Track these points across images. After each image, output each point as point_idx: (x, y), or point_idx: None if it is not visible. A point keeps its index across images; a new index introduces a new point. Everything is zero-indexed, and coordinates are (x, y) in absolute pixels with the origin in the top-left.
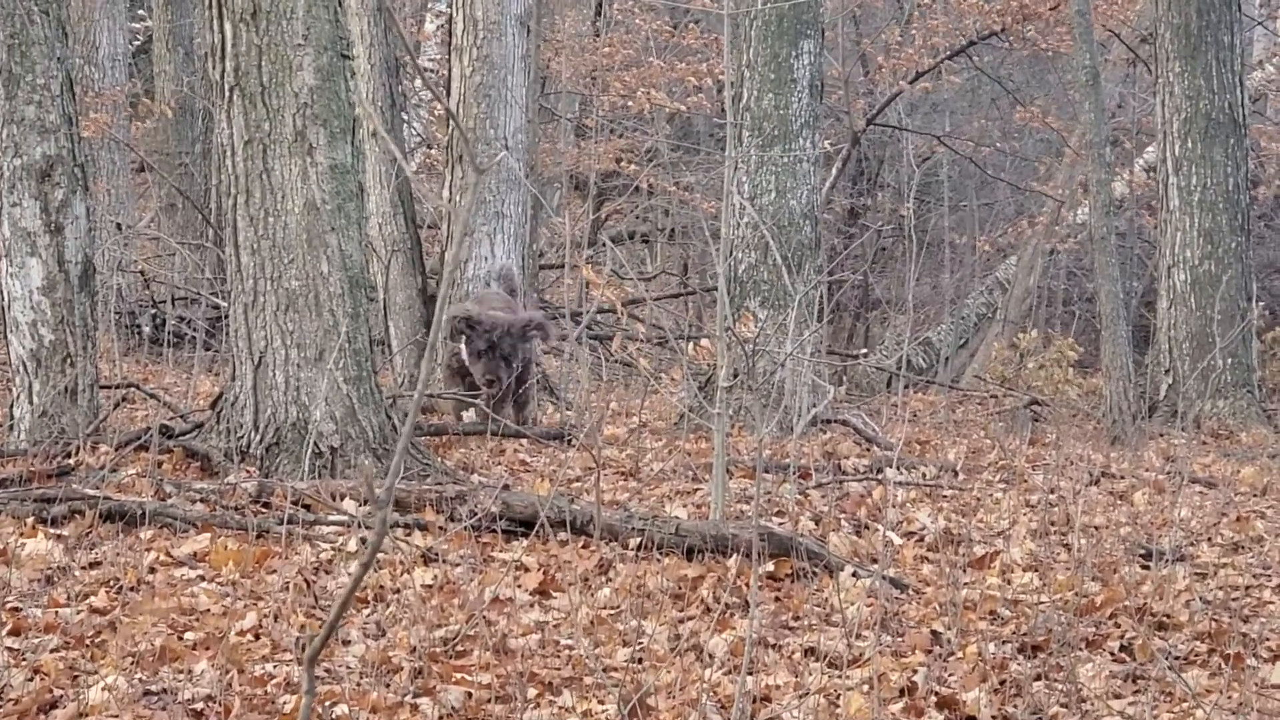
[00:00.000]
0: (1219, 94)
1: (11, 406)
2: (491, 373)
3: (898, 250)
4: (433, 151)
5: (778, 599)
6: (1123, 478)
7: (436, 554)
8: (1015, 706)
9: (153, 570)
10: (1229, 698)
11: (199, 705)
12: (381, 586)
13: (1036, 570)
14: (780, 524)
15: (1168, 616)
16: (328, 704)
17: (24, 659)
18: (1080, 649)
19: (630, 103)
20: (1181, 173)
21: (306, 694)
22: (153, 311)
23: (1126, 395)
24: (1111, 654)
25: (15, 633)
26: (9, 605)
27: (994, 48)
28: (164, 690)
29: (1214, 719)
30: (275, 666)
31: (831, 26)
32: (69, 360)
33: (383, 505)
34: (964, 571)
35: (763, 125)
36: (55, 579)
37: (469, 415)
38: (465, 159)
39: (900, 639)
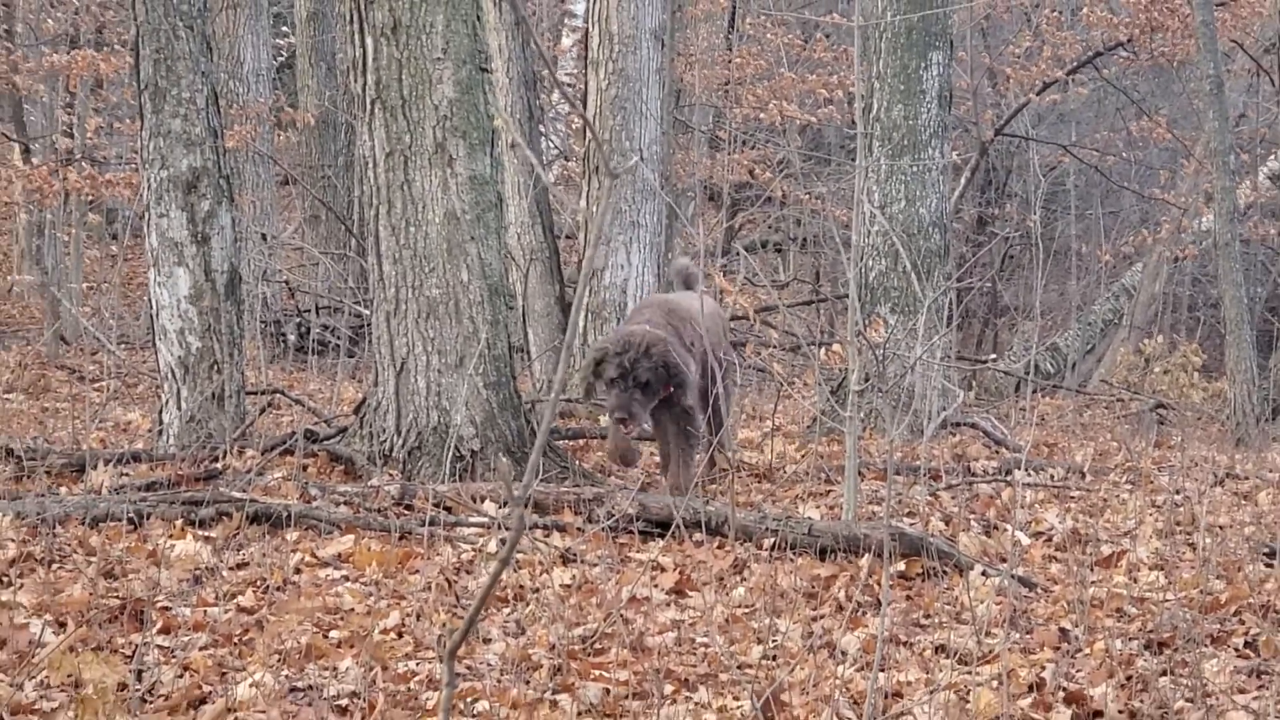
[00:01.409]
0: None
1: (160, 412)
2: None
3: (1025, 258)
4: (570, 163)
5: (909, 597)
6: (1247, 478)
7: (575, 554)
8: (1141, 702)
9: (298, 571)
10: None
11: (344, 701)
12: (521, 586)
13: (1162, 569)
14: (911, 524)
15: None
16: (469, 700)
17: (174, 656)
18: (1205, 645)
19: (762, 114)
20: None
21: (447, 687)
22: (297, 320)
23: (1250, 398)
24: (1236, 650)
25: (165, 631)
26: (159, 604)
27: (1119, 58)
28: (310, 687)
29: None
30: (418, 664)
31: (959, 39)
32: (216, 367)
33: (519, 504)
34: (1091, 570)
35: (892, 135)
36: (204, 579)
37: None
38: (601, 168)
39: (1029, 636)
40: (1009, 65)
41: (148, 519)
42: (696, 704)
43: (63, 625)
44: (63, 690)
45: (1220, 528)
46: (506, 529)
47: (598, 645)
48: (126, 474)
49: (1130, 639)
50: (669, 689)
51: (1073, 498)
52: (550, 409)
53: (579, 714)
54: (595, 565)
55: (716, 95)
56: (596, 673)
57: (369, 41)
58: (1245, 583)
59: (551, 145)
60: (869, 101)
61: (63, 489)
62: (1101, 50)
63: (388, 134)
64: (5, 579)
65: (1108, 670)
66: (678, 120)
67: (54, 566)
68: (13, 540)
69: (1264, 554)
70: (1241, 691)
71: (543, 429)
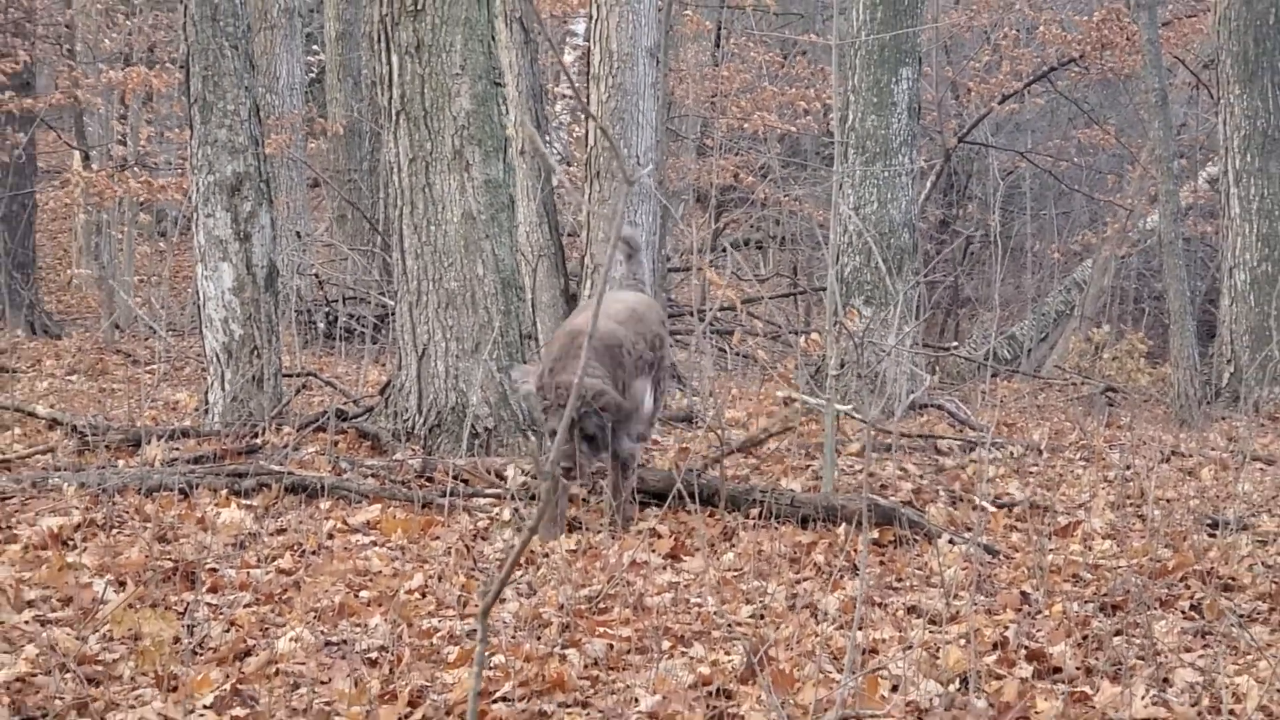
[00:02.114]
0: (1275, 113)
1: (206, 393)
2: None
3: (985, 254)
4: (571, 169)
5: (882, 563)
6: (1190, 456)
7: (580, 522)
8: (1097, 659)
9: (331, 536)
10: None
11: (373, 655)
12: (532, 551)
13: (1114, 538)
14: (885, 496)
15: (1233, 579)
16: (488, 654)
17: (221, 613)
18: (1155, 608)
19: (746, 124)
20: (1241, 184)
21: (481, 642)
22: (327, 309)
23: (1193, 383)
24: (1183, 612)
25: (213, 590)
26: (208, 566)
27: (1071, 72)
28: (343, 641)
29: (1277, 670)
30: (440, 621)
31: (926, 56)
32: (256, 352)
33: (548, 477)
34: (1049, 539)
35: (866, 144)
36: (247, 544)
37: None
38: (614, 171)
39: (993, 599)
40: (971, 79)
41: (196, 489)
42: (692, 658)
43: (122, 584)
44: (123, 643)
45: (1167, 501)
46: (517, 500)
47: (602, 605)
48: (176, 448)
49: (1086, 602)
50: (667, 644)
51: (1031, 472)
52: (575, 393)
53: (585, 667)
54: (599, 532)
55: (704, 106)
56: (601, 630)
57: (395, 59)
58: (1190, 551)
59: (554, 152)
60: (845, 113)
61: (120, 462)
62: (1055, 65)
63: (411, 142)
64: (71, 542)
65: (1066, 630)
66: (670, 129)
67: (114, 531)
68: (77, 508)
69: (1207, 525)
70: (1188, 650)
71: (567, 412)
